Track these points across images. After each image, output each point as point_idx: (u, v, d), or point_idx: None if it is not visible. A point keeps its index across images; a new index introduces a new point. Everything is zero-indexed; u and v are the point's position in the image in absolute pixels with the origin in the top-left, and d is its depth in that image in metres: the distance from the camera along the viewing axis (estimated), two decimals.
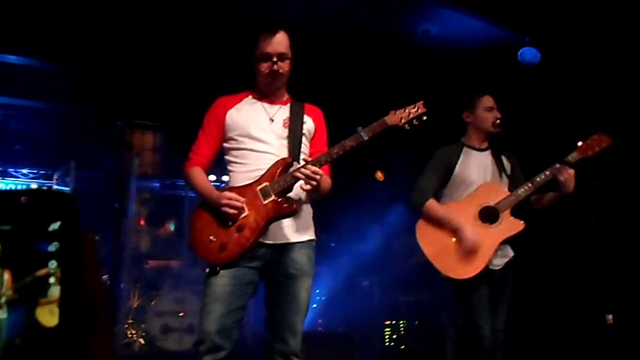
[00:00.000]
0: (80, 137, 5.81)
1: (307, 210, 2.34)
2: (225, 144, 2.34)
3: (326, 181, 2.32)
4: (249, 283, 2.19)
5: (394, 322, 5.55)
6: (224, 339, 2.08)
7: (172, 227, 6.34)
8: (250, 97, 2.39)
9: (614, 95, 4.58)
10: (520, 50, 4.68)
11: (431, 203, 2.90)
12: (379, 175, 6.64)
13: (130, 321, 5.29)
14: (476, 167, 2.98)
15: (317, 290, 6.20)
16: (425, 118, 2.29)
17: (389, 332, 5.55)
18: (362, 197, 6.48)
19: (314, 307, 6.12)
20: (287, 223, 2.23)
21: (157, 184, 6.60)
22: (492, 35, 4.71)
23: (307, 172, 2.13)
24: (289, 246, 2.23)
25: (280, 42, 2.27)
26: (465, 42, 4.80)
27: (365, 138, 2.20)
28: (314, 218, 2.37)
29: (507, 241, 2.90)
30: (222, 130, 2.33)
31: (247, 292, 2.19)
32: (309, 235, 2.31)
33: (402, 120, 2.26)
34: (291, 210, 2.20)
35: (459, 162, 2.99)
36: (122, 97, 5.33)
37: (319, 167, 2.21)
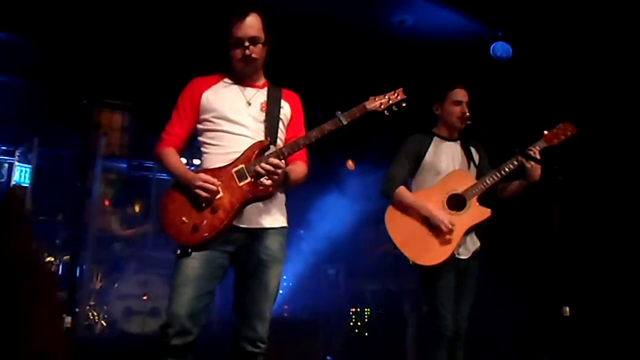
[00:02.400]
0: (45, 114, 5.62)
1: (281, 197, 2.33)
2: (199, 126, 2.31)
3: (299, 170, 2.32)
4: (219, 267, 2.17)
5: (358, 309, 5.61)
6: (192, 323, 2.06)
7: (138, 209, 6.23)
8: (226, 79, 2.36)
9: (582, 91, 4.71)
10: (493, 45, 4.74)
11: (401, 190, 2.93)
12: (350, 164, 6.66)
13: (92, 303, 5.20)
14: (446, 156, 3.03)
15: (284, 277, 6.21)
16: (404, 105, 2.30)
17: (354, 320, 5.61)
18: (332, 184, 6.49)
19: (280, 293, 6.13)
20: (261, 208, 2.22)
21: (125, 165, 6.46)
22: (466, 28, 4.74)
23: (268, 167, 2.11)
24: (262, 232, 2.22)
25: (251, 25, 2.23)
26: (440, 34, 4.83)
27: (345, 122, 2.20)
28: (286, 205, 2.36)
29: (475, 231, 2.96)
30: (197, 112, 2.29)
31: (217, 276, 2.17)
32: (282, 222, 2.30)
33: (382, 106, 2.27)
34: (267, 192, 2.18)
35: (429, 151, 3.03)
36: (90, 74, 5.17)
37: (297, 150, 2.21)
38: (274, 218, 2.26)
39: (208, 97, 2.29)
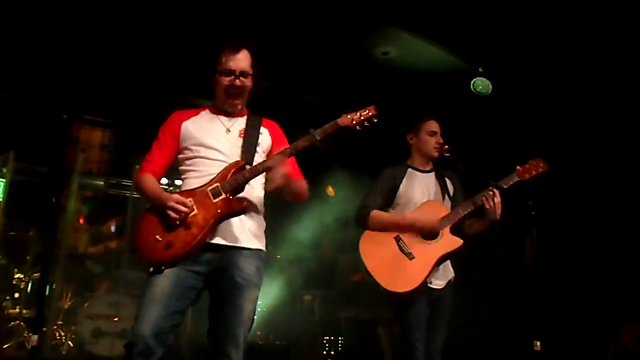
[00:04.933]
0: (22, 127, 5.55)
1: (260, 222, 2.34)
2: (180, 155, 2.36)
3: (302, 185, 2.35)
4: (190, 287, 2.15)
5: (332, 337, 5.55)
6: (157, 343, 2.02)
7: (113, 228, 6.12)
8: (207, 111, 2.43)
9: (560, 126, 4.83)
10: (473, 80, 4.86)
11: (376, 212, 2.96)
12: (330, 190, 6.68)
13: (60, 322, 5.07)
14: (420, 187, 3.06)
15: (259, 302, 6.13)
16: (376, 120, 2.34)
17: (327, 348, 5.55)
18: (311, 211, 6.49)
19: (254, 318, 6.05)
20: (236, 226, 2.22)
21: (102, 183, 6.38)
22: (447, 63, 4.86)
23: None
24: (236, 252, 2.21)
25: (243, 59, 2.33)
26: (422, 67, 4.95)
27: (318, 138, 2.24)
28: (266, 231, 2.37)
29: (448, 260, 2.97)
30: (177, 141, 2.35)
31: (187, 296, 2.15)
32: (258, 244, 2.29)
33: (354, 122, 2.32)
34: (241, 207, 2.19)
35: (403, 182, 3.06)
36: (72, 90, 5.14)
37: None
38: (249, 238, 2.25)
39: (188, 126, 2.35)
